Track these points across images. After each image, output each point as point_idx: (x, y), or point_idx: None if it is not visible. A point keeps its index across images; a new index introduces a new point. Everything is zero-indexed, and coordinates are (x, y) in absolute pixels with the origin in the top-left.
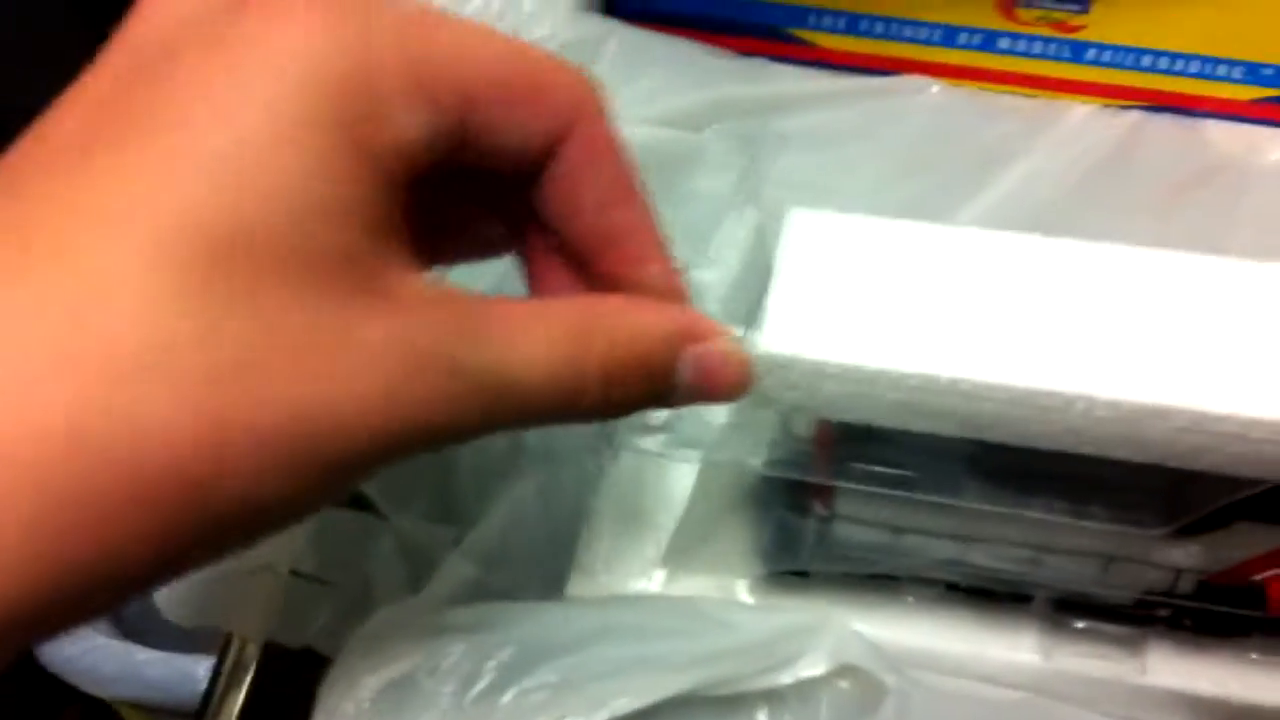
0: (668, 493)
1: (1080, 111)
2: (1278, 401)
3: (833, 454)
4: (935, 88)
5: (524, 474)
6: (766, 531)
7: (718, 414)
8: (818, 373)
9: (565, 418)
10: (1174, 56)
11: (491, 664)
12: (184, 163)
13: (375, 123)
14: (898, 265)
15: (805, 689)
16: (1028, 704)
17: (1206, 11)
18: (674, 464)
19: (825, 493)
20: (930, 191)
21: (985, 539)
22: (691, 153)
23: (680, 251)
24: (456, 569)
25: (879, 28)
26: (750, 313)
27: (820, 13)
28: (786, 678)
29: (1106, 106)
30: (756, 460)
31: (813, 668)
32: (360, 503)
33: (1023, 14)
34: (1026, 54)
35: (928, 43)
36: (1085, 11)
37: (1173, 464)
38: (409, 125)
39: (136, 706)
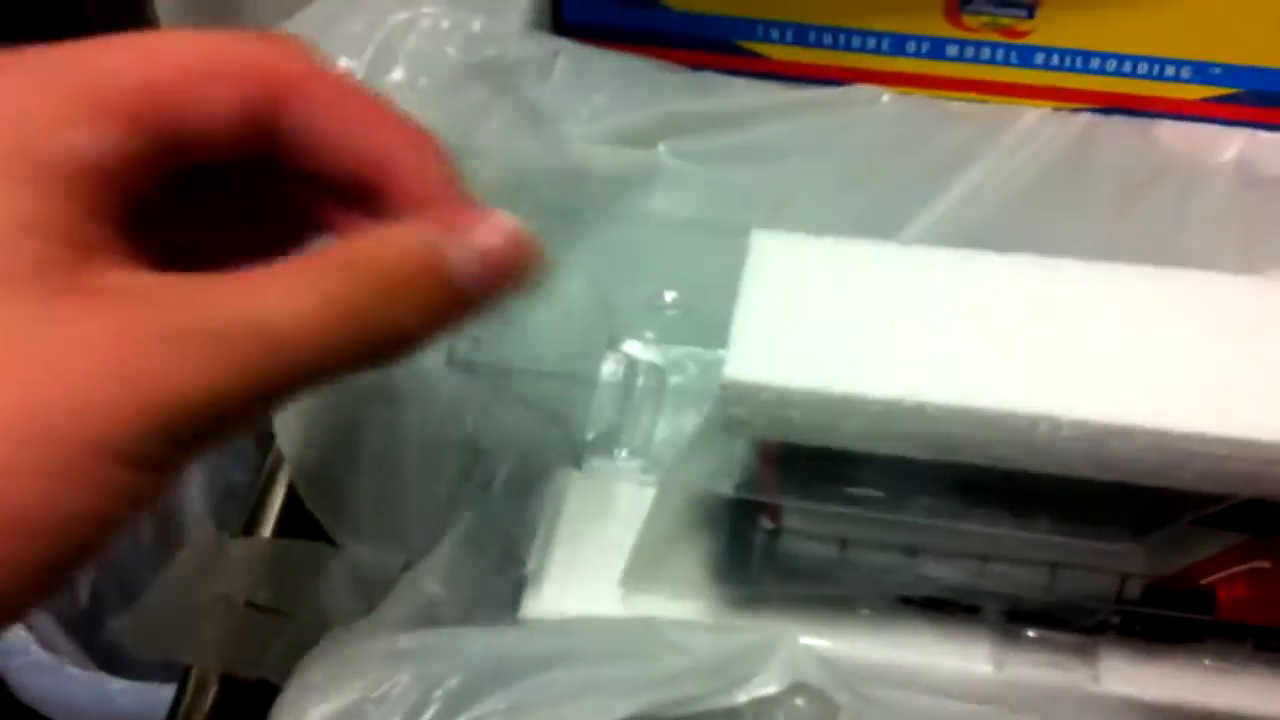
0: (623, 513)
1: (1031, 115)
2: (1242, 418)
3: (780, 469)
4: (886, 97)
5: (476, 497)
6: (721, 551)
7: (679, 436)
8: (783, 399)
9: (362, 356)
10: (1122, 58)
11: (439, 692)
12: None
13: (44, 142)
14: (861, 288)
15: (760, 707)
16: (980, 715)
17: (1154, 12)
18: (629, 484)
19: (774, 508)
20: (885, 200)
21: (932, 549)
22: (644, 170)
23: (644, 270)
24: (407, 594)
25: (828, 38)
26: (712, 335)
27: (769, 25)
28: (741, 697)
29: (1057, 110)
30: (723, 484)
31: (766, 687)
32: (314, 532)
33: (969, 20)
34: (975, 60)
35: (877, 52)
36: (1031, 16)
37: (1137, 481)
38: (79, 139)
39: None
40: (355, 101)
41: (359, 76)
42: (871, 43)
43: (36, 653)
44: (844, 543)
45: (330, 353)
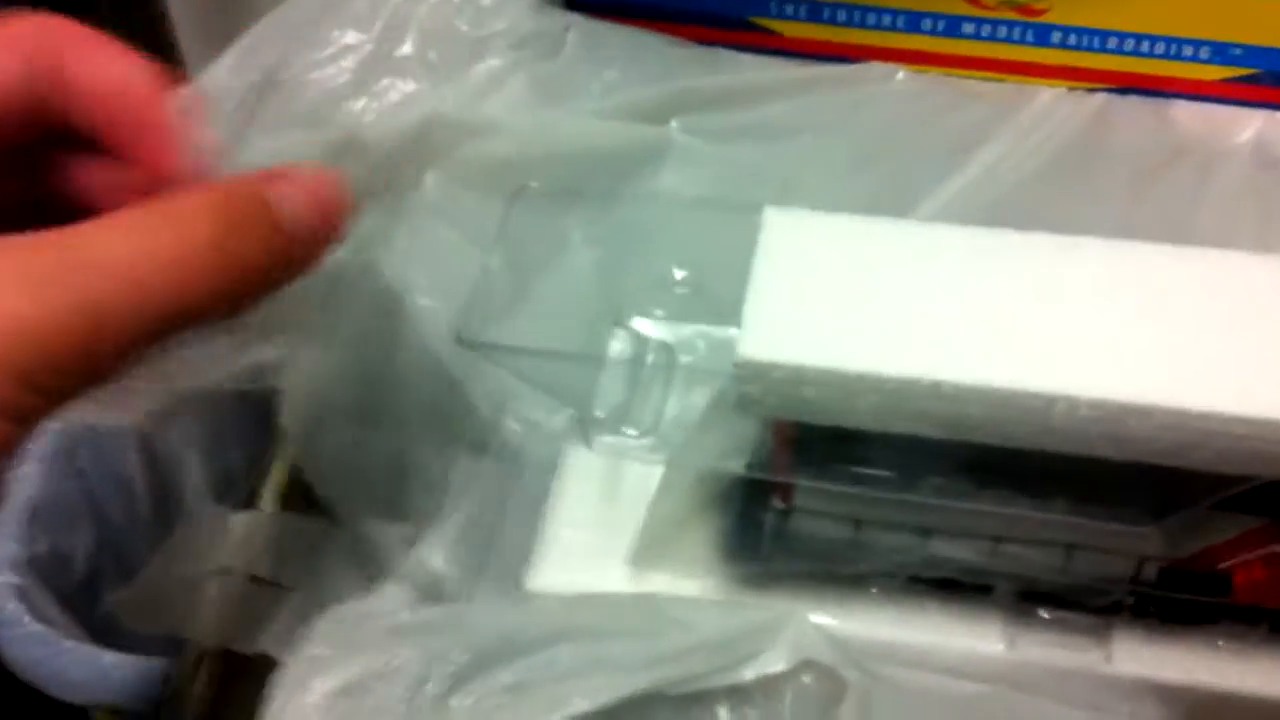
0: (632, 491)
1: (1047, 95)
2: (1261, 397)
3: (792, 449)
4: (900, 75)
5: (482, 472)
6: (731, 530)
7: (689, 415)
8: (798, 378)
9: (218, 295)
10: (1140, 38)
11: (443, 667)
12: None
13: None
14: (876, 265)
15: (768, 685)
16: (992, 696)
17: None
18: (638, 462)
19: (786, 487)
20: (897, 179)
21: (946, 530)
22: (655, 146)
23: (653, 247)
24: (411, 569)
25: (842, 15)
26: (723, 313)
27: (783, 1)
28: (748, 674)
29: (1073, 89)
30: (734, 463)
31: (774, 664)
32: (315, 508)
33: None
34: (991, 38)
35: (892, 29)
36: None
37: (1155, 461)
38: None
39: (108, 710)
40: (111, 74)
41: (368, 50)
42: (886, 20)
43: (30, 625)
44: (856, 523)
45: (186, 291)
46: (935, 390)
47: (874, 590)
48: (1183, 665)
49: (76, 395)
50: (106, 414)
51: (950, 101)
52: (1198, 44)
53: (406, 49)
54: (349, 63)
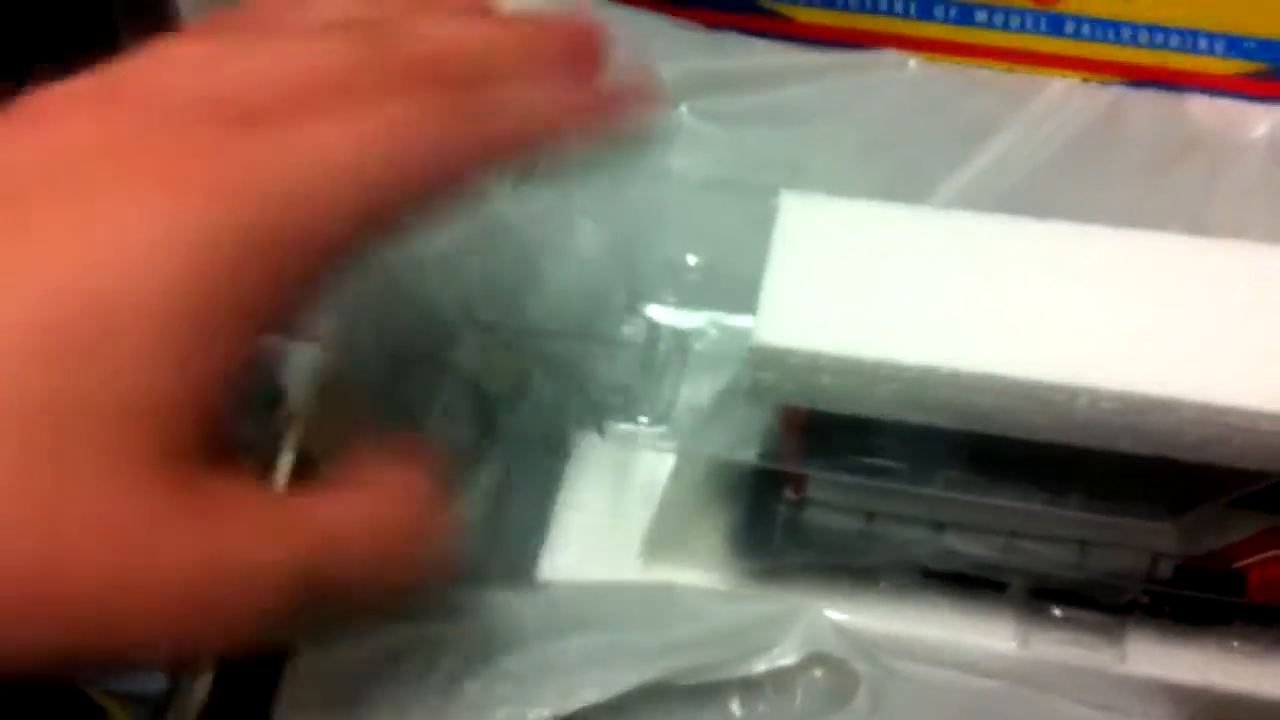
0: (643, 479)
1: (1059, 86)
2: None
3: (805, 440)
4: (912, 62)
5: (493, 459)
6: (743, 520)
7: (701, 402)
8: (813, 365)
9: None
10: (1154, 29)
11: (453, 653)
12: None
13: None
14: (894, 251)
15: (779, 677)
16: (1003, 692)
17: None
18: (650, 450)
19: (798, 479)
20: (908, 167)
21: (959, 524)
22: (664, 129)
23: (660, 233)
24: None
25: (855, 1)
26: (735, 300)
27: None
28: (759, 666)
29: (1086, 81)
30: (745, 452)
31: (785, 657)
32: None
33: None
34: (1004, 27)
35: (904, 16)
36: None
37: (1176, 455)
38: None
39: (116, 698)
40: None
41: None
42: (899, 6)
43: None
44: (870, 515)
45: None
46: (954, 380)
47: (887, 585)
48: (1196, 666)
49: None
50: None
51: (961, 90)
52: (1213, 37)
53: None
54: None
